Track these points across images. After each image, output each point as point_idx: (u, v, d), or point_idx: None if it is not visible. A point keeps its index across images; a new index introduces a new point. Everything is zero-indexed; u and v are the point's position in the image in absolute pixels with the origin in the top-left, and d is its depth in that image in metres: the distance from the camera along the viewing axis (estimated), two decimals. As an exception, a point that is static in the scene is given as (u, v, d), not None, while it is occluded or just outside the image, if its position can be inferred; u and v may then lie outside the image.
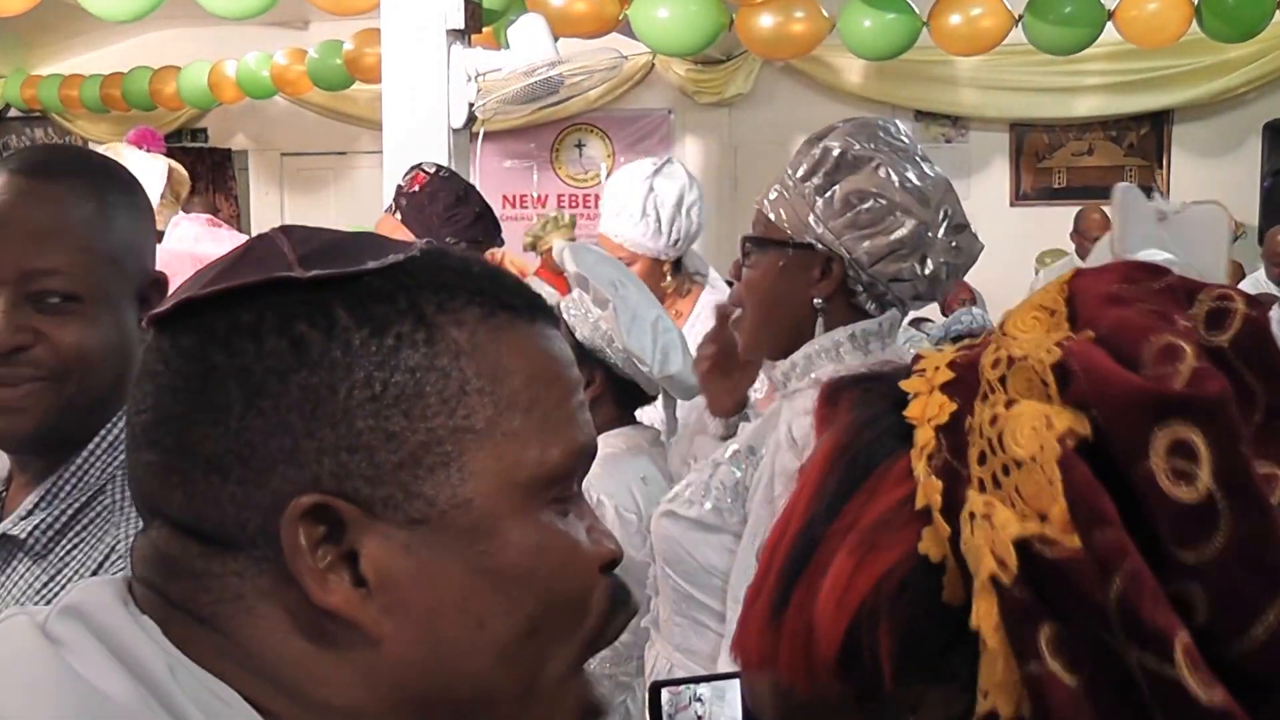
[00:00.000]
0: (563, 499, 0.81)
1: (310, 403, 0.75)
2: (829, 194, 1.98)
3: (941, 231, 1.99)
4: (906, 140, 2.06)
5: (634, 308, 2.57)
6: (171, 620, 0.77)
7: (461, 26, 4.48)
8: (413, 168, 3.71)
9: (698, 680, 1.21)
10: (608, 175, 9.04)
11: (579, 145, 9.47)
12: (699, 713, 1.18)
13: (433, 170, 3.67)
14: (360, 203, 8.08)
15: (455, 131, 4.52)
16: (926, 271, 1.99)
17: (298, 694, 0.77)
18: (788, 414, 1.97)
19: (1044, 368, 0.67)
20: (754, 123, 9.10)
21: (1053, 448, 0.64)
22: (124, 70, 9.02)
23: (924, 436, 0.71)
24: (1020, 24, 6.54)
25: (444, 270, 0.80)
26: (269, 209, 9.96)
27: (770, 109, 9.05)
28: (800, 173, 2.02)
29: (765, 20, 6.65)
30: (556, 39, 4.59)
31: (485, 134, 4.72)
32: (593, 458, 0.84)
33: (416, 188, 3.66)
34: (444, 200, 3.65)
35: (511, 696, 0.80)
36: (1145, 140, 8.68)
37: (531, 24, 4.52)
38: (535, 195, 9.39)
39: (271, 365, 0.75)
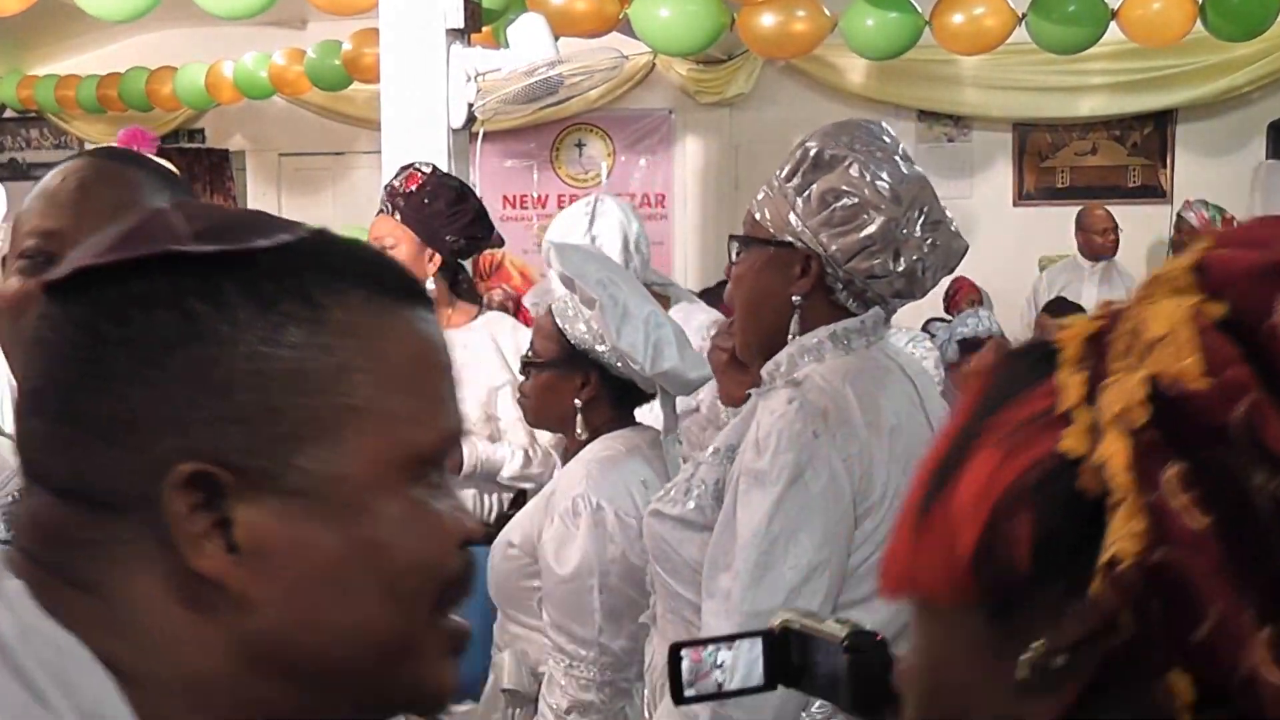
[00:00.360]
0: (432, 478, 0.85)
1: (196, 374, 0.78)
2: (807, 193, 2.06)
3: (917, 229, 2.06)
4: (887, 140, 2.13)
5: (624, 305, 2.57)
6: (44, 585, 0.79)
7: (461, 26, 4.50)
8: (405, 168, 3.72)
9: (719, 641, 1.22)
10: (608, 175, 9.08)
11: (579, 145, 9.47)
12: (719, 679, 1.20)
13: (428, 170, 3.68)
14: (358, 203, 8.06)
15: (455, 131, 4.55)
16: (901, 268, 2.05)
17: (167, 657, 0.79)
18: (760, 413, 2.02)
19: (1181, 271, 0.72)
20: (755, 122, 9.08)
21: (1187, 319, 0.70)
22: (121, 70, 9.02)
23: (1070, 348, 0.75)
24: (1023, 23, 6.55)
25: (331, 253, 0.84)
26: (267, 209, 9.89)
27: (772, 109, 9.03)
28: (784, 173, 2.10)
29: (767, 19, 6.66)
30: (557, 38, 4.61)
31: (485, 134, 4.76)
32: (458, 442, 0.89)
33: (414, 188, 3.66)
34: (445, 199, 3.66)
35: (375, 662, 0.83)
36: (1149, 140, 8.69)
37: (531, 23, 4.55)
38: (535, 195, 9.41)
39: (161, 336, 0.78)
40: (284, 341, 0.79)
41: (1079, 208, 7.87)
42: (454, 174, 4.43)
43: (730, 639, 1.22)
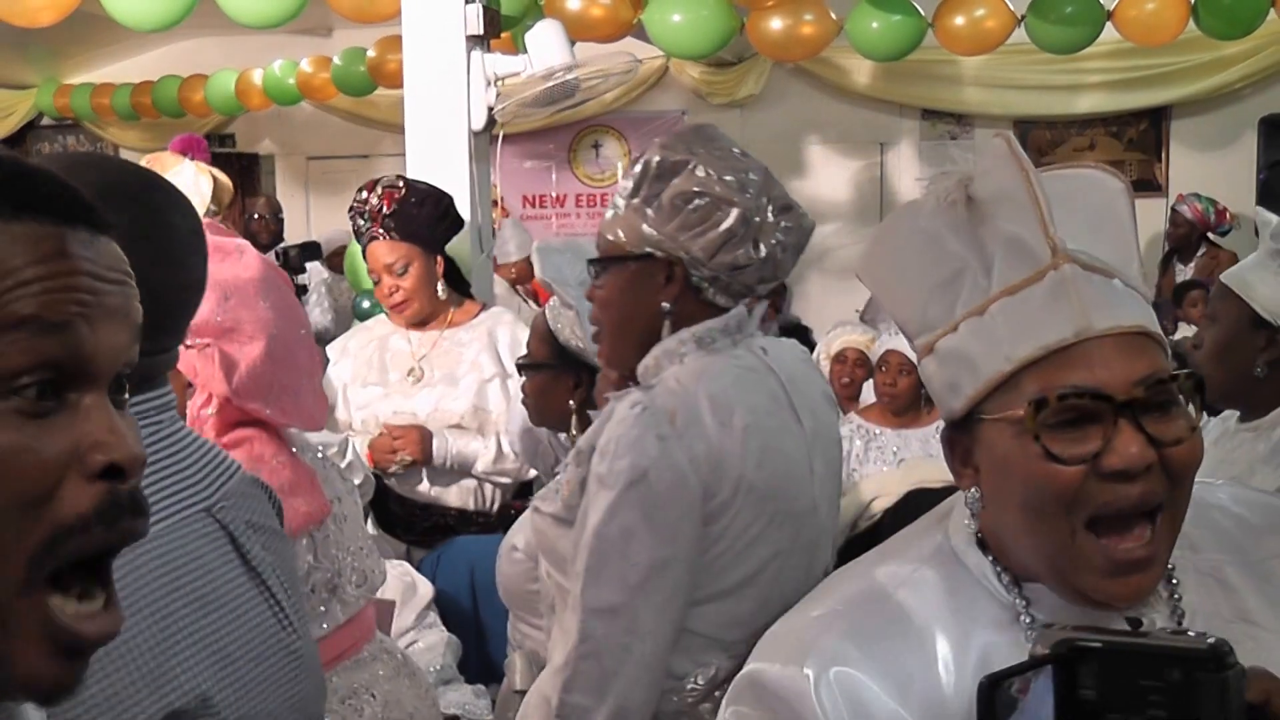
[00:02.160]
0: (30, 400, 0.78)
1: None
2: (656, 203, 2.07)
3: (769, 214, 2.08)
4: (722, 139, 2.15)
5: None
6: None
7: (481, 32, 4.47)
8: (368, 189, 3.66)
9: (1021, 670, 1.05)
10: (624, 175, 9.16)
11: (596, 146, 9.54)
12: (1020, 706, 1.05)
13: (400, 183, 3.65)
14: None
15: (475, 134, 4.52)
16: (763, 254, 2.08)
17: None
18: (611, 418, 2.03)
19: None
20: (765, 122, 9.11)
21: None
22: (154, 79, 9.08)
23: None
24: (1022, 24, 6.60)
25: None
26: (295, 211, 9.94)
27: (781, 109, 9.11)
28: (629, 190, 2.12)
29: (775, 23, 6.71)
30: (573, 43, 4.60)
31: (504, 136, 4.70)
32: (57, 346, 0.80)
33: (396, 204, 3.60)
34: (430, 206, 3.64)
35: None
36: (1145, 135, 8.72)
37: (549, 29, 4.54)
38: (554, 195, 9.47)
39: None
40: None
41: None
42: (475, 175, 4.50)
43: (1026, 667, 1.05)
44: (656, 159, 2.10)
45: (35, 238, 0.80)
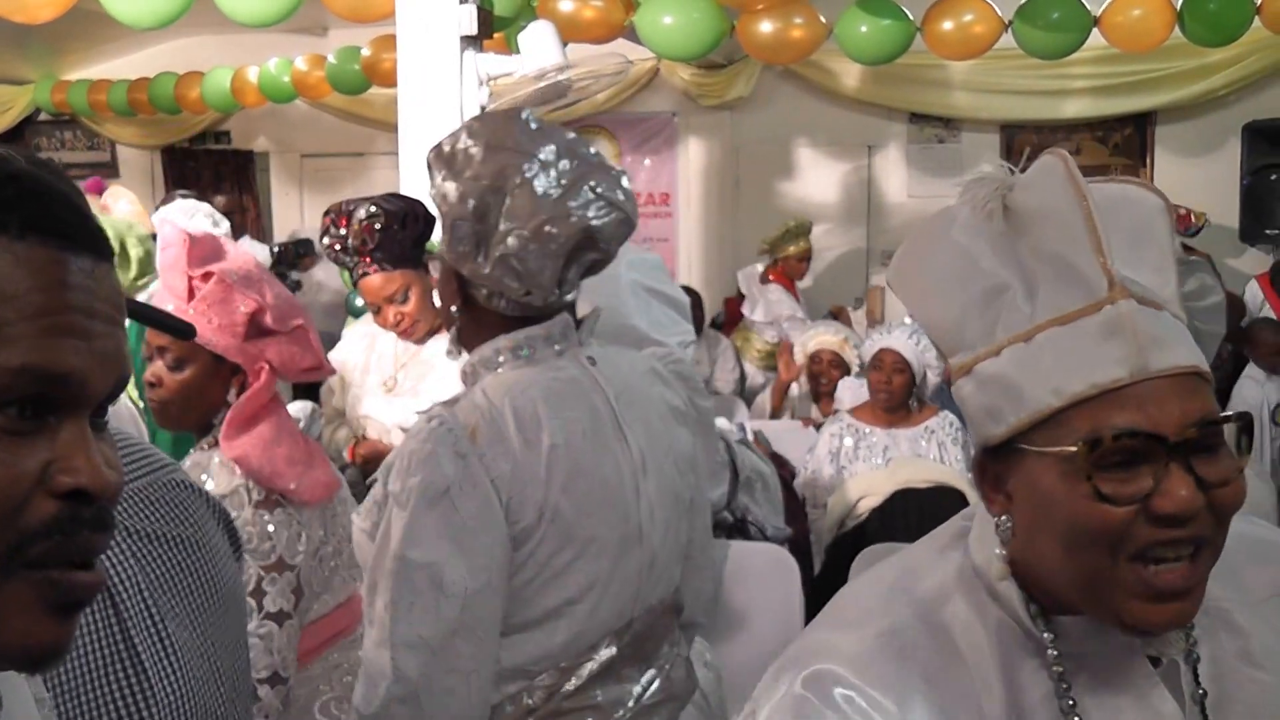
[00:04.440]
0: (10, 419, 0.80)
1: None
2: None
3: (501, 223, 1.90)
4: (479, 126, 1.97)
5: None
6: None
7: (474, 32, 4.48)
8: (341, 223, 3.55)
9: None
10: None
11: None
12: None
13: (376, 210, 3.55)
14: None
15: None
16: (485, 269, 1.92)
17: None
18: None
19: None
20: (755, 124, 9.20)
21: None
22: (150, 75, 9.10)
23: None
24: (1010, 29, 6.62)
25: None
26: (289, 208, 10.08)
27: (770, 111, 9.15)
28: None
29: (765, 26, 6.72)
30: (565, 44, 4.62)
31: None
32: (46, 383, 0.81)
33: (379, 233, 3.52)
34: (411, 225, 3.59)
35: None
36: (1129, 140, 8.71)
37: (541, 30, 4.54)
38: (546, 194, 9.52)
39: None
40: None
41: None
42: None
43: None
44: (432, 153, 1.99)
45: (39, 263, 0.81)
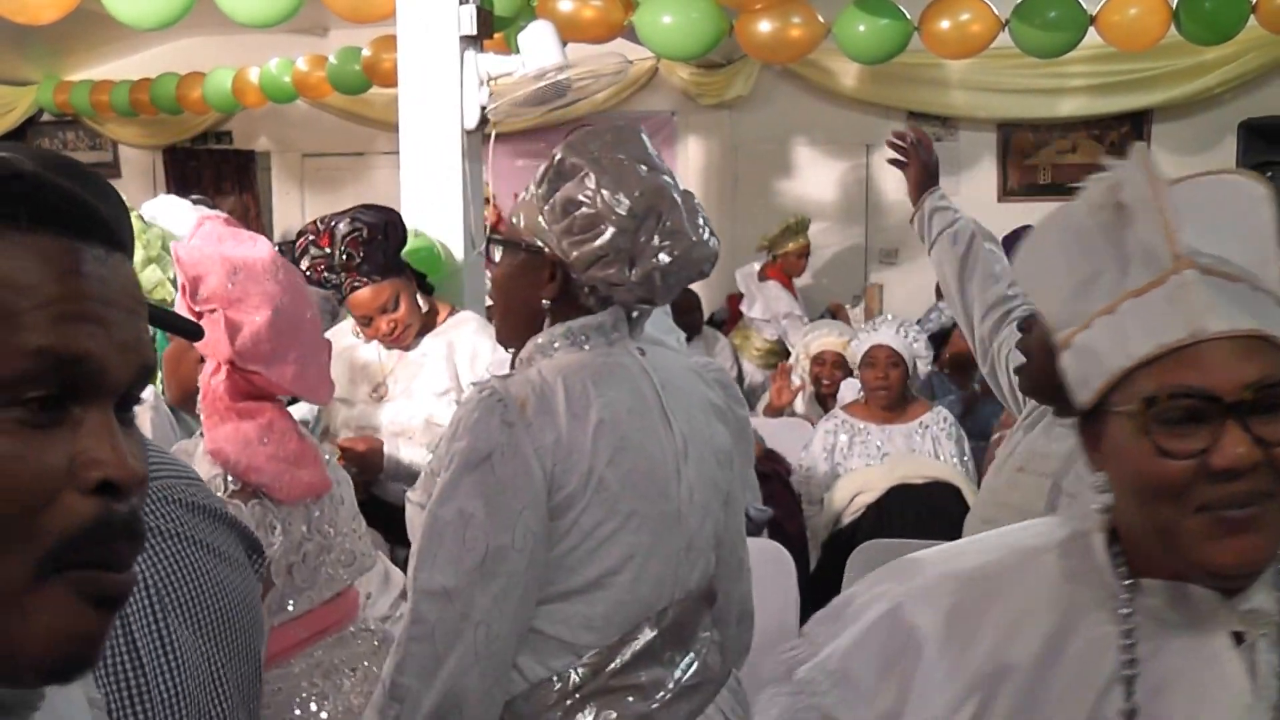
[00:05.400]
0: (33, 411, 0.79)
1: None
2: (552, 201, 2.06)
3: (654, 239, 2.02)
4: (633, 146, 2.09)
5: None
6: None
7: (474, 33, 4.51)
8: (322, 242, 3.54)
9: None
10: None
11: (587, 146, 9.57)
12: None
13: (357, 224, 3.56)
14: (377, 201, 8.12)
15: (468, 133, 4.57)
16: (635, 277, 2.03)
17: None
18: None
19: None
20: (754, 124, 9.22)
21: None
22: (152, 76, 9.11)
23: None
24: (1007, 28, 6.63)
25: None
26: (290, 207, 10.09)
27: (769, 110, 9.17)
28: (537, 178, 2.10)
29: (764, 26, 6.73)
30: (565, 44, 4.61)
31: (497, 135, 4.71)
32: (65, 366, 0.80)
33: (362, 245, 3.53)
34: (391, 233, 3.62)
35: None
36: (1126, 139, 8.66)
37: (541, 30, 4.55)
38: (545, 194, 9.53)
39: None
40: None
41: (1059, 202, 7.79)
42: (467, 173, 4.53)
43: None
44: (559, 156, 2.08)
45: (50, 254, 0.80)
